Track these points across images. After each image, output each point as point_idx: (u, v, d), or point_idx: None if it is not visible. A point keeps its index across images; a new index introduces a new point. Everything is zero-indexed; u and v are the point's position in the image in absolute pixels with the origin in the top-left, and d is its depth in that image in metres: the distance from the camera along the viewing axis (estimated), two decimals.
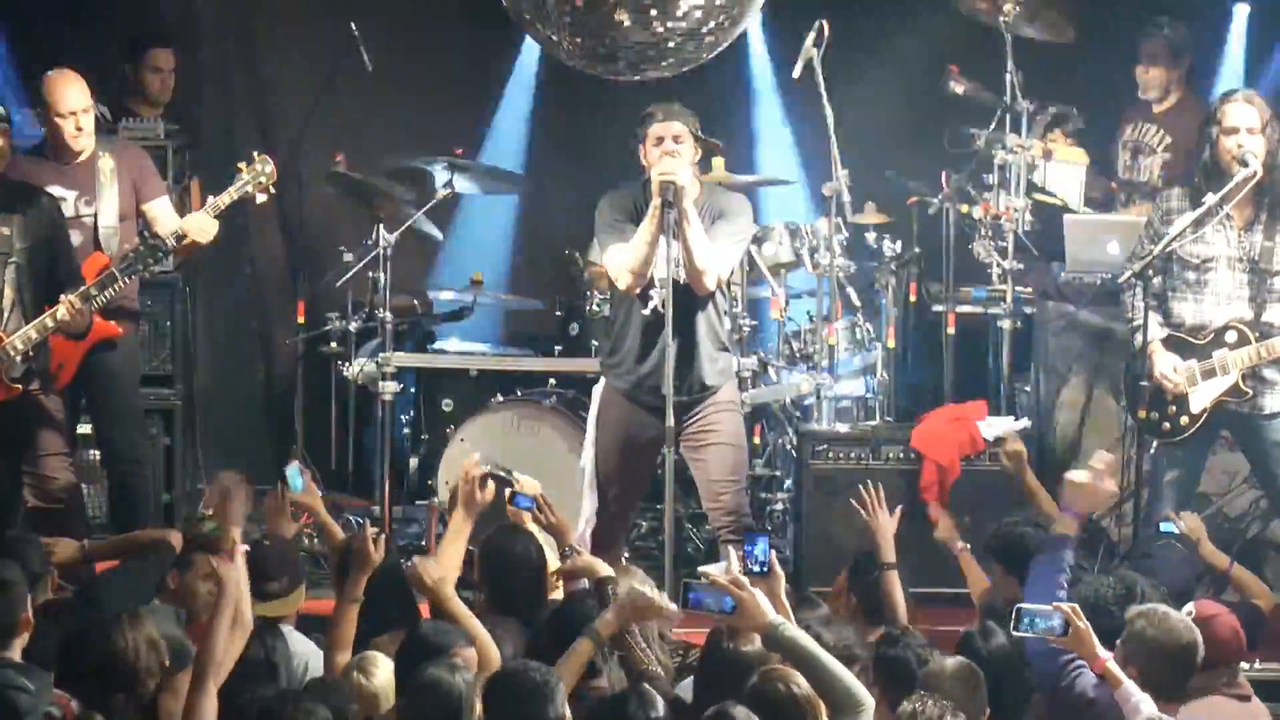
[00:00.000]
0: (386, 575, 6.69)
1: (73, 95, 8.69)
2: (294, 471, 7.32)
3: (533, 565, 7.09)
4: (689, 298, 8.02)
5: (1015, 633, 6.03)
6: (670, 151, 7.93)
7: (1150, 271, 8.22)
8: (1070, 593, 6.39)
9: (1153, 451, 8.54)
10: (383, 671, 5.85)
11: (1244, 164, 8.24)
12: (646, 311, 8.06)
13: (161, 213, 8.97)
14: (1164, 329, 8.36)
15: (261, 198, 8.71)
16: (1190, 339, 8.33)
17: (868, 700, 5.68)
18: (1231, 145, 8.22)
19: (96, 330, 8.59)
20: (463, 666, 5.76)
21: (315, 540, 9.08)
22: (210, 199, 8.71)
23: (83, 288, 8.30)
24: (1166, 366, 8.32)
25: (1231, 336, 8.31)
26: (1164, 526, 7.73)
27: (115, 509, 8.97)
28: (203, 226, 8.70)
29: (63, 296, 8.29)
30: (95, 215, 8.75)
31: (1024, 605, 6.05)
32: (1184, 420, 8.34)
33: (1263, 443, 8.40)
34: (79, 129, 8.70)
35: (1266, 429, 8.37)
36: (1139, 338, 8.29)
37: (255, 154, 8.77)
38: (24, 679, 5.76)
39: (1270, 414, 8.35)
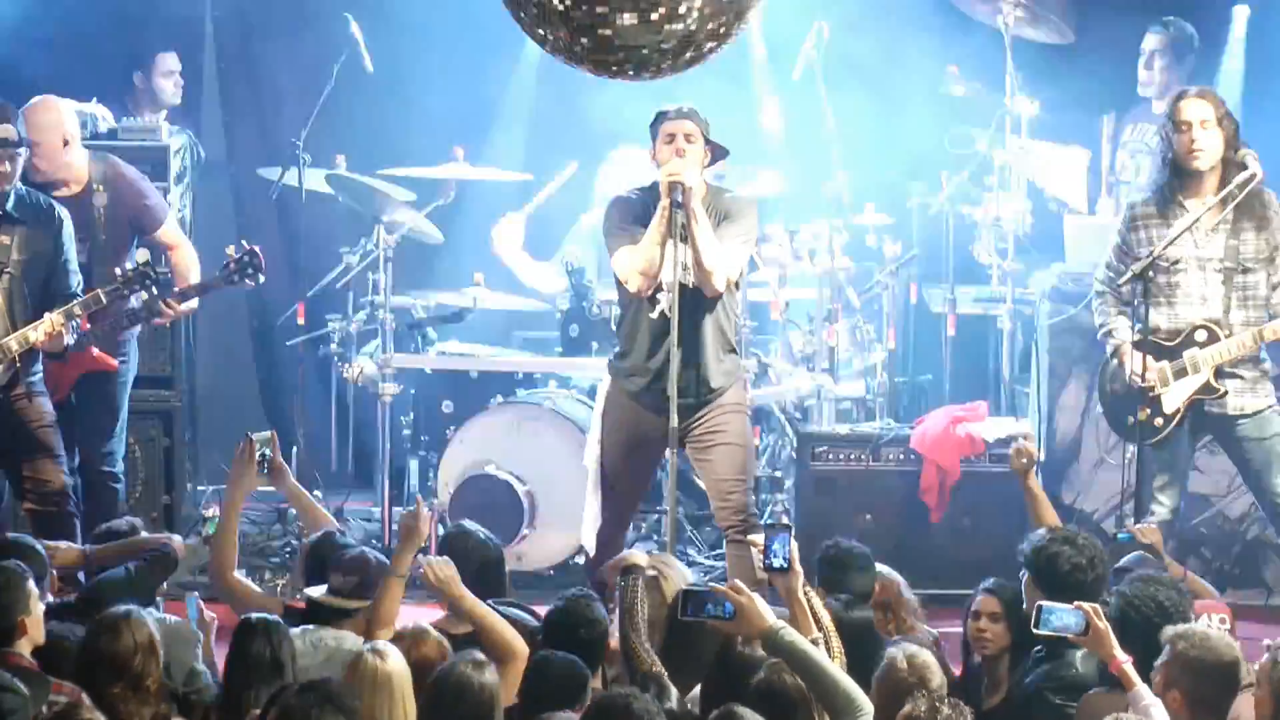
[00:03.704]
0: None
1: (25, 125, 8.61)
2: (264, 438, 7.29)
3: (490, 559, 7.14)
4: (698, 300, 8.03)
5: (1035, 631, 6.04)
6: (680, 150, 7.94)
7: (1123, 270, 8.31)
8: (1125, 600, 6.39)
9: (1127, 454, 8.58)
10: (395, 656, 5.86)
11: (1243, 166, 8.26)
12: (654, 314, 8.06)
13: (172, 236, 8.99)
14: (1136, 333, 8.36)
15: (249, 283, 8.75)
16: (1162, 342, 8.33)
17: (867, 705, 5.69)
18: (1186, 142, 8.24)
19: (91, 361, 8.64)
20: (489, 664, 5.80)
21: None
22: (194, 284, 8.83)
23: (65, 306, 8.27)
24: (1137, 367, 8.33)
25: (1201, 335, 8.32)
26: (1122, 536, 7.72)
27: (90, 517, 8.82)
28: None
29: (46, 315, 8.27)
30: (88, 253, 8.73)
31: (1044, 604, 6.06)
32: (1158, 422, 8.33)
33: (1244, 442, 8.39)
34: (33, 162, 8.65)
35: (1246, 428, 8.37)
36: (1110, 343, 8.39)
37: (244, 241, 8.80)
38: (19, 681, 5.77)
39: (1250, 413, 8.36)
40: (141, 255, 8.71)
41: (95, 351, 8.68)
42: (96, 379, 8.80)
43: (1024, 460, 7.73)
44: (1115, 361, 8.44)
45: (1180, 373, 8.31)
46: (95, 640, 5.96)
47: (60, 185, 8.79)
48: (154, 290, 8.60)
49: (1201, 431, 8.47)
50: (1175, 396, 8.34)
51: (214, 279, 8.82)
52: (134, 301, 8.67)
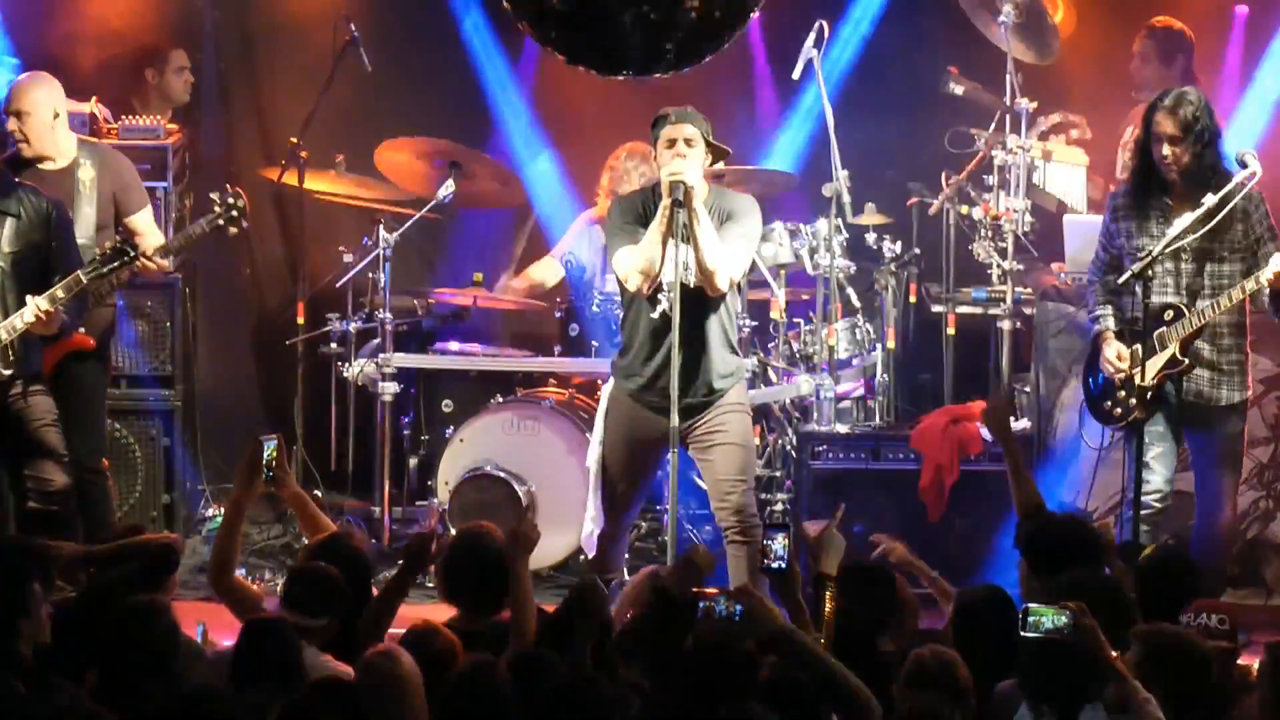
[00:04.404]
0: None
1: (15, 95, 8.78)
2: (271, 444, 7.24)
3: (496, 565, 7.13)
4: (700, 300, 8.04)
5: (1022, 633, 5.98)
6: (681, 154, 7.95)
7: (1106, 259, 8.57)
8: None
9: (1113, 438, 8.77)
10: (406, 659, 5.87)
11: (1243, 165, 8.34)
12: (656, 314, 8.07)
13: (143, 226, 9.00)
14: (1117, 322, 8.53)
15: (233, 230, 8.74)
16: (1138, 328, 8.44)
17: (876, 707, 5.68)
18: (1158, 152, 8.38)
19: (69, 341, 8.63)
20: (498, 663, 5.82)
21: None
22: (176, 235, 8.81)
23: (48, 291, 8.29)
24: (1110, 353, 8.51)
25: (1169, 315, 8.46)
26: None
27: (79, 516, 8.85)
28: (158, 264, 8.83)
29: (30, 299, 8.28)
30: (72, 225, 8.74)
31: (1031, 605, 6.02)
32: (1132, 401, 8.44)
33: (1210, 432, 8.53)
34: (22, 133, 8.75)
35: (1217, 418, 8.50)
36: (1094, 329, 8.61)
37: (228, 185, 8.87)
38: (18, 681, 5.78)
39: (1224, 404, 8.49)
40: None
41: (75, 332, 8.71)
42: (78, 377, 8.78)
43: (998, 412, 7.76)
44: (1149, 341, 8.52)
45: (1150, 351, 8.43)
46: (123, 627, 5.94)
47: (47, 160, 8.84)
48: (134, 268, 8.64)
49: (1181, 415, 8.56)
50: (1146, 374, 8.42)
51: (200, 228, 8.80)
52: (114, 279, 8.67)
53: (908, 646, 6.15)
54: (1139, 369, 8.34)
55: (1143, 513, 8.24)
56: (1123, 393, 8.50)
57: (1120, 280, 8.42)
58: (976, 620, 6.41)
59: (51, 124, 8.84)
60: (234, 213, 8.72)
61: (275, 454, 7.17)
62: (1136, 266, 8.26)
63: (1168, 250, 8.25)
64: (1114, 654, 5.95)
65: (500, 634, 6.54)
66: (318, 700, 5.49)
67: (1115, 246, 8.56)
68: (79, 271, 8.32)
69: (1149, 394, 8.37)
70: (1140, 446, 8.26)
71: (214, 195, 8.79)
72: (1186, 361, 8.40)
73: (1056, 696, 5.90)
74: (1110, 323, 8.53)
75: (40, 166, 8.85)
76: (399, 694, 5.71)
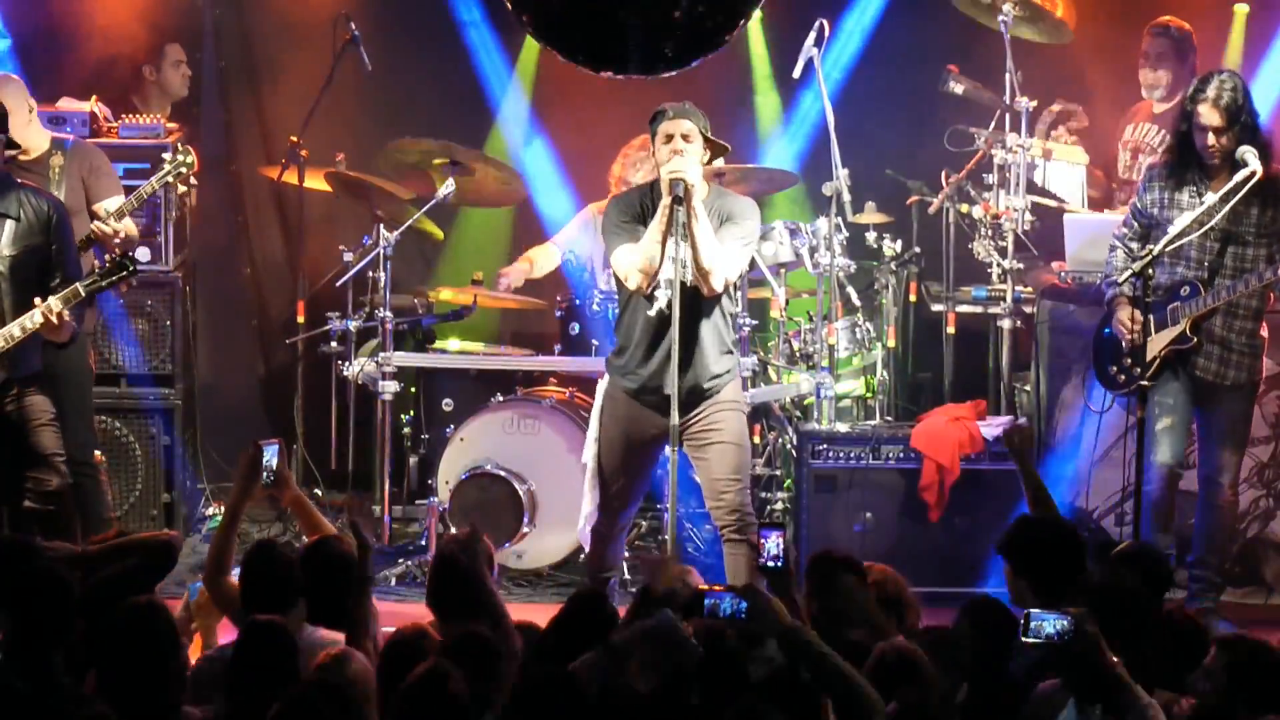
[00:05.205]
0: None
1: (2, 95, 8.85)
2: (272, 449, 7.21)
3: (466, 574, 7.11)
4: (696, 299, 8.02)
5: (1024, 639, 5.91)
6: (680, 150, 7.94)
7: (1136, 228, 8.77)
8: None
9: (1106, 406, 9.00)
10: (358, 661, 5.86)
11: (1244, 163, 8.45)
12: (652, 312, 8.06)
13: (110, 211, 9.06)
14: (1135, 290, 8.58)
15: (182, 188, 8.93)
16: (1156, 300, 8.56)
17: (882, 706, 5.66)
18: (1200, 140, 8.53)
19: None
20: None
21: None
22: (129, 198, 9.01)
23: (48, 300, 8.29)
24: (1124, 315, 8.66)
25: (1185, 290, 8.61)
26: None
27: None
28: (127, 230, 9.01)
29: (36, 301, 8.28)
30: None
31: (1034, 611, 5.94)
32: (1137, 370, 8.49)
33: (1217, 409, 8.70)
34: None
35: (1224, 396, 8.66)
36: (1109, 292, 8.77)
37: (178, 144, 9.06)
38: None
39: (1230, 384, 8.66)
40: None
41: None
42: (63, 372, 8.77)
43: (1016, 440, 7.72)
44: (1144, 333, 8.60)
45: (1161, 324, 8.61)
46: (124, 626, 5.92)
47: (22, 152, 8.96)
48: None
49: (1192, 391, 8.70)
50: (1155, 345, 8.58)
51: (150, 185, 8.97)
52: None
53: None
54: (1149, 339, 8.46)
55: (1145, 487, 8.30)
56: (1129, 360, 8.64)
57: (1121, 279, 8.56)
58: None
59: (26, 116, 8.97)
60: (183, 169, 8.87)
61: (276, 459, 7.15)
62: (1137, 265, 8.32)
63: (1176, 239, 8.37)
64: (1115, 660, 5.92)
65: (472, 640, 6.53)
66: (316, 700, 5.48)
67: (1145, 217, 8.74)
68: (78, 284, 8.31)
69: (1154, 364, 8.51)
70: (1142, 418, 8.30)
71: (165, 155, 8.95)
72: (1195, 340, 8.56)
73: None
74: (1127, 289, 8.63)
75: (18, 156, 8.92)
76: (347, 696, 5.67)
